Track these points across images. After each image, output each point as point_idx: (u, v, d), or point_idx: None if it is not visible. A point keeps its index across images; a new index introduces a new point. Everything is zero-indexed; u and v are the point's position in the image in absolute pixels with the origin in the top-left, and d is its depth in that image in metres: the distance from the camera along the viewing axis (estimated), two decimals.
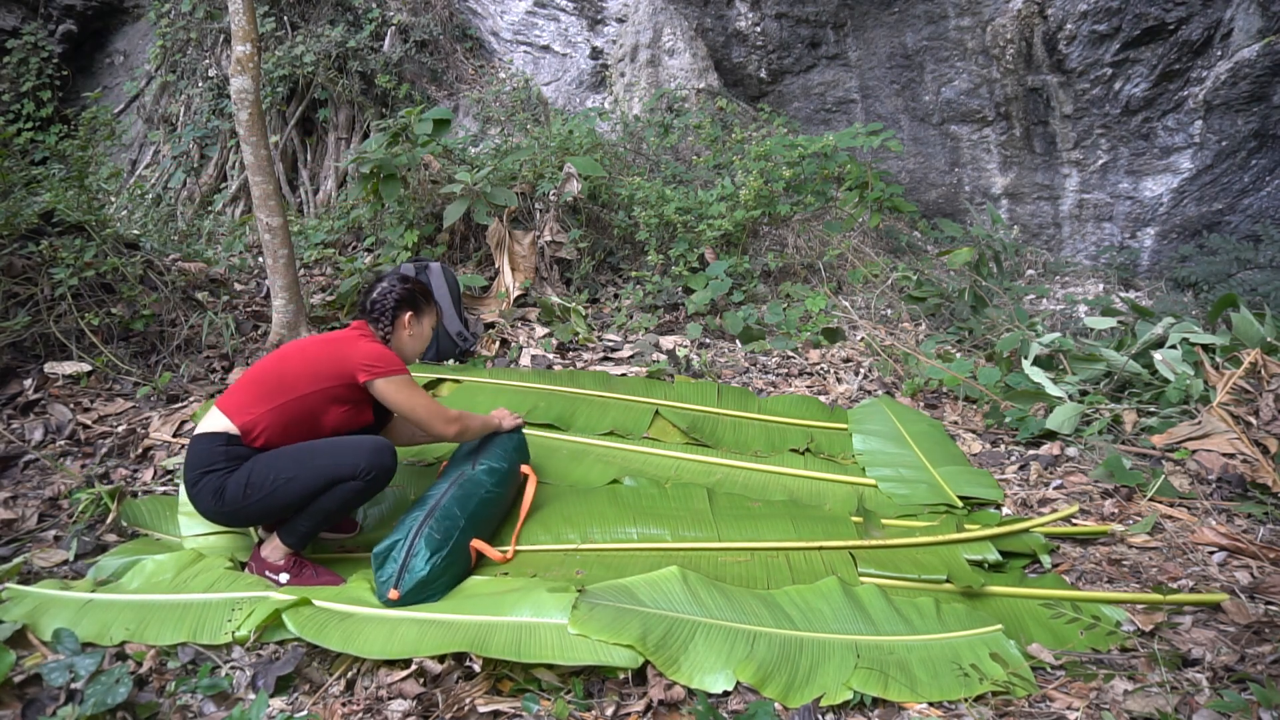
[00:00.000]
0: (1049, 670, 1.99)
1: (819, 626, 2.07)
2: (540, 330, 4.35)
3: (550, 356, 4.08)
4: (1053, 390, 3.49)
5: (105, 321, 3.46)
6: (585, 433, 3.21)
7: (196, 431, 2.24)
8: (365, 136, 6.13)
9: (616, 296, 4.86)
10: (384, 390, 2.30)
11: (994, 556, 2.45)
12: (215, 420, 2.22)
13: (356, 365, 2.28)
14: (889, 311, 4.80)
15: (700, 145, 6.21)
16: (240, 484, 2.15)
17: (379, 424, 2.51)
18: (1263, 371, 3.27)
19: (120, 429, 3.10)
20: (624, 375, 3.84)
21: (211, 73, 6.45)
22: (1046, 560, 2.48)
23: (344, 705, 1.83)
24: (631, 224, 5.00)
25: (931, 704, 1.85)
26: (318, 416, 2.27)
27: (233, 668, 1.92)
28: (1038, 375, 3.59)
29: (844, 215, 5.46)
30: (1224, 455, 2.92)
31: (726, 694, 1.85)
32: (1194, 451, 2.98)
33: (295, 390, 2.23)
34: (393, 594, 2.09)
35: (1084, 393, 3.55)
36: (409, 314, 2.47)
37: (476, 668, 1.90)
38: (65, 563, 2.33)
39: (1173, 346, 3.60)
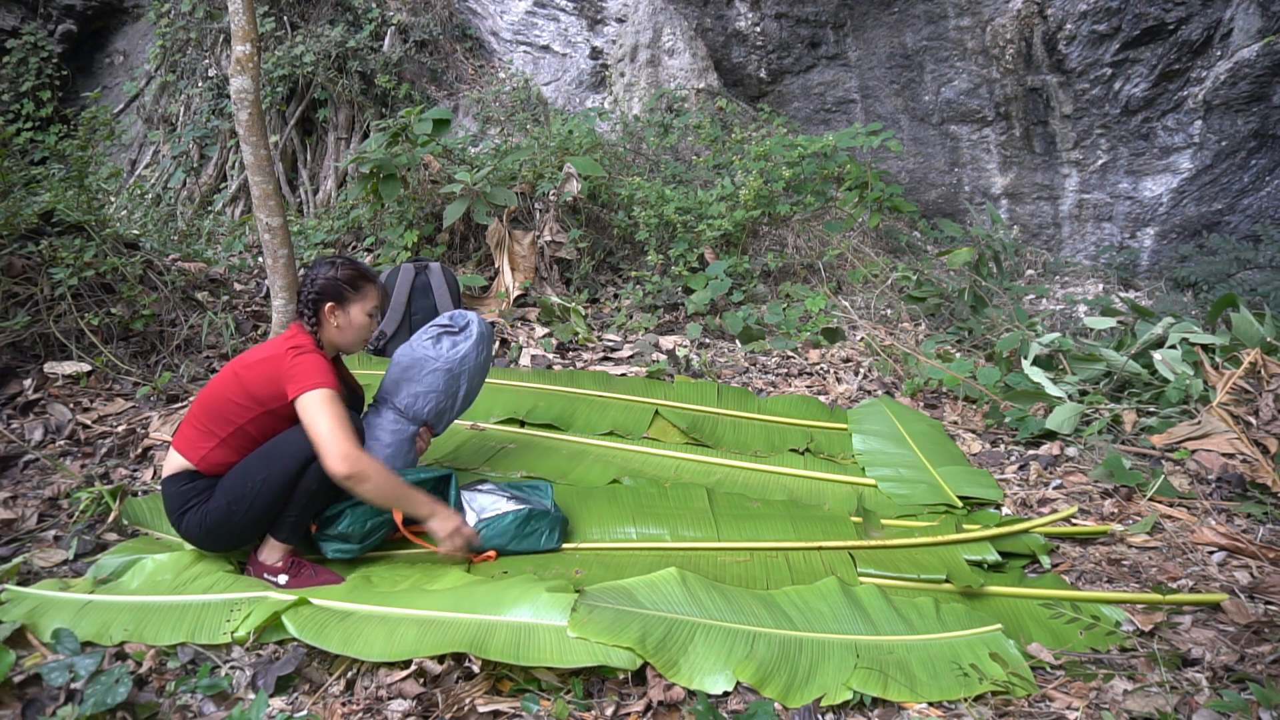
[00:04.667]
0: (1049, 670, 1.99)
1: (818, 627, 2.07)
2: (540, 330, 4.35)
3: (550, 356, 4.09)
4: (1052, 390, 3.49)
5: (105, 321, 3.46)
6: (585, 433, 3.21)
7: (163, 476, 2.28)
8: (365, 136, 6.12)
9: (616, 296, 4.86)
10: (301, 405, 2.12)
11: (993, 557, 2.45)
12: (174, 461, 2.24)
13: (287, 383, 2.15)
14: (889, 311, 4.81)
15: (700, 145, 6.21)
16: (220, 507, 2.17)
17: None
18: (1262, 371, 3.28)
19: (120, 429, 3.10)
20: (624, 375, 3.84)
21: (211, 73, 6.45)
22: (1046, 560, 2.48)
23: (344, 705, 1.83)
24: (631, 224, 5.00)
25: (931, 704, 1.85)
26: (273, 435, 2.23)
27: (232, 667, 1.92)
28: (1037, 375, 3.59)
29: (844, 215, 5.46)
30: (1224, 455, 2.92)
31: (726, 694, 1.85)
32: (1194, 451, 2.98)
33: (241, 417, 2.19)
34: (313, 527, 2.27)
35: (1084, 393, 3.55)
36: (330, 305, 2.28)
37: (476, 668, 1.90)
38: (65, 562, 2.33)
39: (1172, 346, 3.60)
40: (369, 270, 2.39)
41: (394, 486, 2.17)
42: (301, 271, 4.68)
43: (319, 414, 2.10)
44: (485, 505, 2.43)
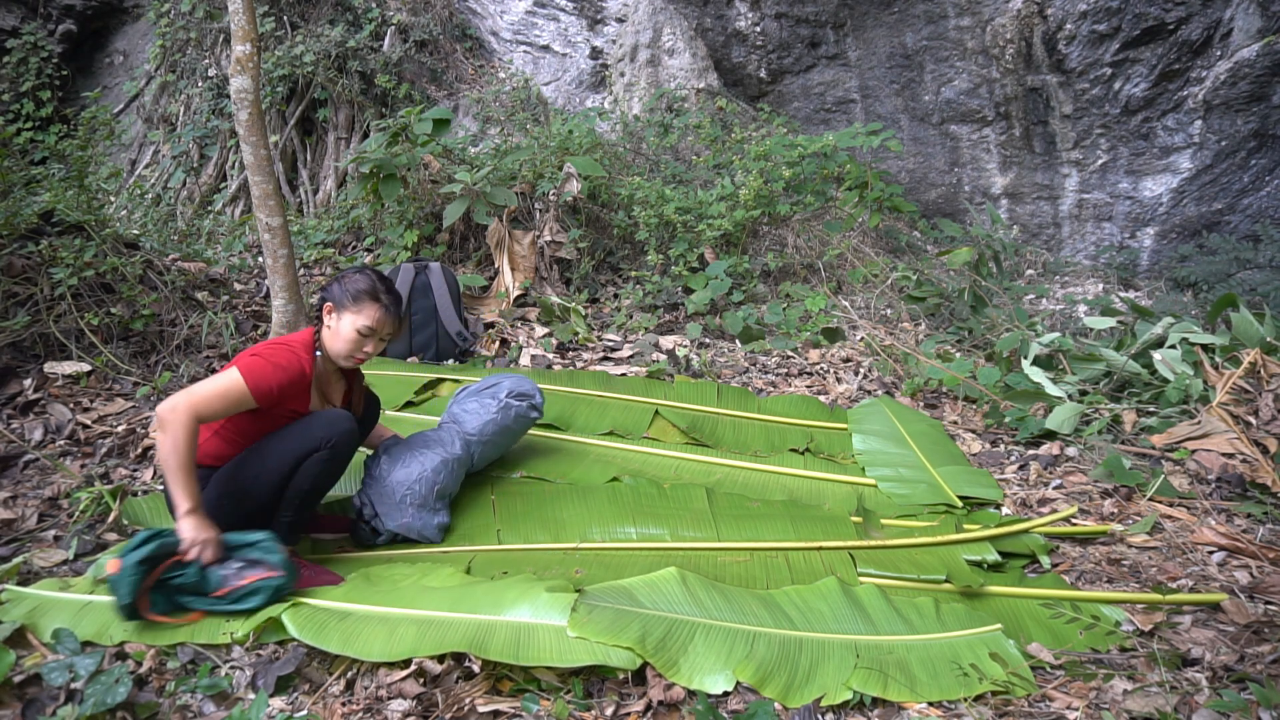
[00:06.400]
0: (1048, 670, 1.99)
1: (818, 626, 2.07)
2: (540, 330, 4.35)
3: (550, 356, 4.09)
4: (1052, 390, 3.49)
5: (105, 321, 3.46)
6: (585, 433, 3.21)
7: None
8: (365, 136, 6.12)
9: (616, 296, 4.86)
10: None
11: (993, 557, 2.46)
12: None
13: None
14: (889, 311, 4.80)
15: (700, 145, 6.21)
16: (212, 499, 2.16)
17: (363, 425, 2.53)
18: (1262, 371, 3.28)
19: (120, 429, 3.10)
20: (624, 375, 3.84)
21: (211, 73, 6.45)
22: (1046, 560, 2.48)
23: (344, 705, 1.83)
24: (631, 224, 5.00)
25: (931, 704, 1.85)
26: (264, 429, 2.22)
27: (232, 667, 1.92)
28: (1037, 375, 3.59)
29: (844, 215, 5.46)
30: (1223, 455, 2.92)
31: (726, 694, 1.85)
32: (1193, 451, 2.98)
33: None
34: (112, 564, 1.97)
35: (1084, 393, 3.55)
36: (328, 305, 2.27)
37: (476, 668, 1.90)
38: (65, 562, 2.33)
39: (1172, 346, 3.60)
40: (381, 294, 2.28)
41: (177, 457, 1.98)
42: (301, 271, 4.67)
43: (214, 379, 2.07)
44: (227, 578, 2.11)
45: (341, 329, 2.26)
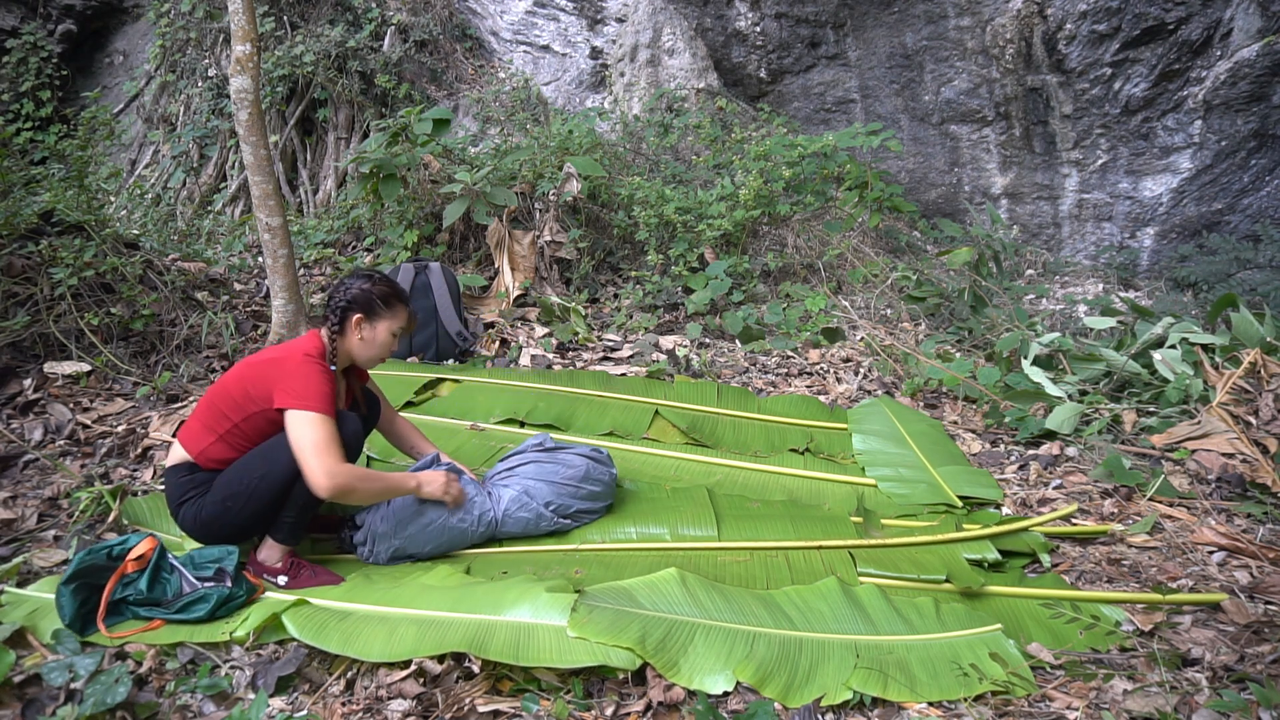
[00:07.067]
0: (1048, 670, 1.99)
1: (818, 626, 2.07)
2: (540, 330, 4.35)
3: (550, 356, 4.09)
4: (1052, 390, 3.49)
5: (105, 321, 3.46)
6: (585, 433, 3.21)
7: (166, 465, 2.29)
8: (365, 136, 6.12)
9: (616, 296, 4.86)
10: (288, 420, 2.12)
11: (993, 556, 2.45)
12: (176, 452, 2.26)
13: (278, 389, 2.15)
14: (889, 311, 4.80)
15: (700, 145, 6.21)
16: (216, 501, 2.17)
17: (367, 425, 2.53)
18: (1262, 371, 3.27)
19: (120, 429, 3.10)
20: (624, 375, 3.84)
21: (211, 72, 6.45)
22: (1046, 560, 2.48)
23: (344, 705, 1.83)
24: (631, 224, 5.00)
25: (931, 704, 1.85)
26: (267, 435, 2.22)
27: (233, 667, 1.92)
28: (1037, 375, 3.59)
29: (844, 215, 5.46)
30: (1223, 455, 2.92)
31: (726, 694, 1.85)
32: (1193, 451, 2.98)
33: (238, 414, 2.20)
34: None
35: (1084, 393, 3.55)
36: (358, 316, 2.29)
37: (476, 668, 1.90)
38: (65, 562, 2.33)
39: (1172, 346, 3.60)
40: (404, 292, 2.41)
41: (378, 486, 2.25)
42: (301, 271, 4.68)
43: (305, 431, 2.10)
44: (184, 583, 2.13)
45: (378, 336, 2.33)
